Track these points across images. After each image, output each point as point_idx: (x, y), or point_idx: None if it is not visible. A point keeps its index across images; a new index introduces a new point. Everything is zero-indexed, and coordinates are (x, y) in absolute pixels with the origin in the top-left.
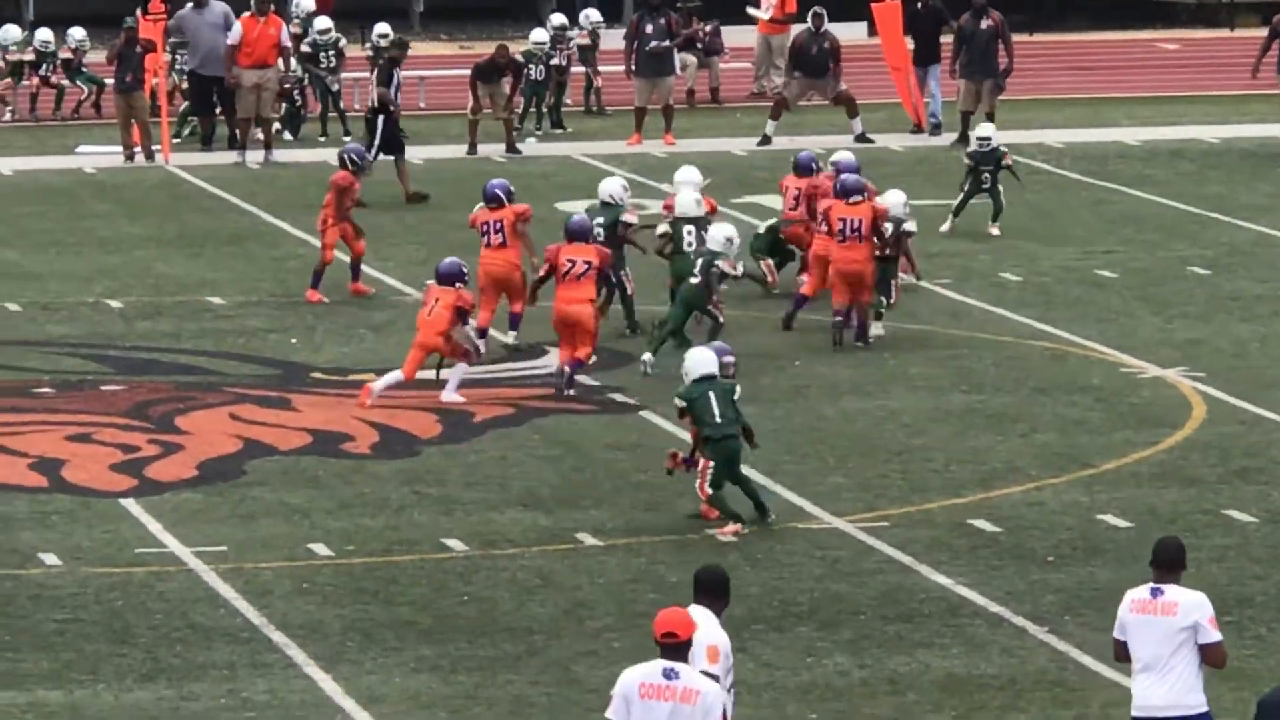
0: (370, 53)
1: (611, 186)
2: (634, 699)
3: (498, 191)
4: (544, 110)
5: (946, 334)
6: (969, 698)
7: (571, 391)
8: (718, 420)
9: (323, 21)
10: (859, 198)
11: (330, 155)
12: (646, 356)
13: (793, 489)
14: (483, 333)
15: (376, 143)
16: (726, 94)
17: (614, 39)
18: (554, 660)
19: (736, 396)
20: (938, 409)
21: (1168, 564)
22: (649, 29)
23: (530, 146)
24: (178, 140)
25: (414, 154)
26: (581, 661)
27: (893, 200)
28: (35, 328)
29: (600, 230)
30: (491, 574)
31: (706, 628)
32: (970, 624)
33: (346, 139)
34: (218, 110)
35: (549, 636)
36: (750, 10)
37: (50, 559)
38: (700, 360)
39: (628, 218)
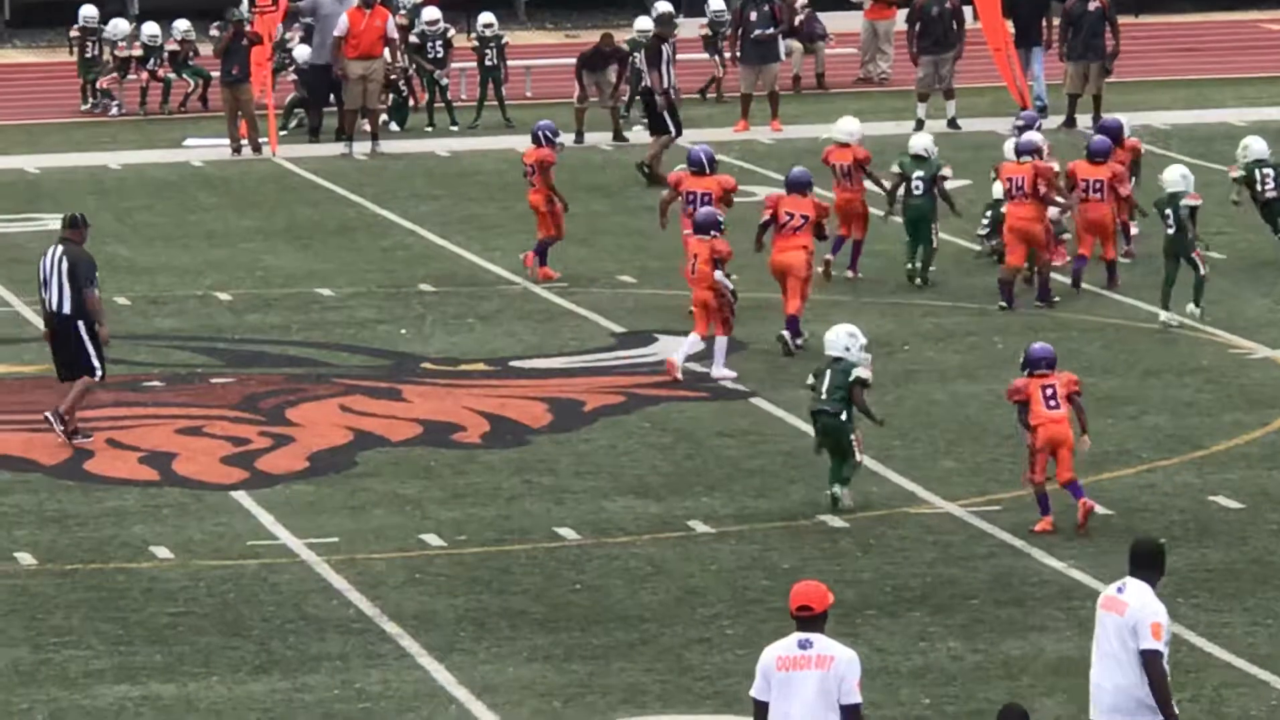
0: (476, 43)
1: (924, 141)
2: (772, 673)
3: (702, 158)
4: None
5: (1056, 316)
6: (1083, 680)
7: (800, 342)
8: (822, 397)
9: (431, 12)
10: (1027, 158)
11: (437, 145)
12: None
13: (904, 473)
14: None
15: (669, 123)
16: (832, 79)
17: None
18: (667, 648)
19: (855, 377)
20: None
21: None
22: (753, 16)
23: (637, 134)
24: (284, 133)
25: (519, 143)
26: (694, 649)
27: (1171, 177)
28: (144, 321)
29: (920, 184)
30: (604, 563)
31: (1146, 600)
32: (1083, 607)
33: (454, 128)
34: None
35: (661, 624)
36: None
37: (162, 552)
38: (831, 340)
39: (946, 172)
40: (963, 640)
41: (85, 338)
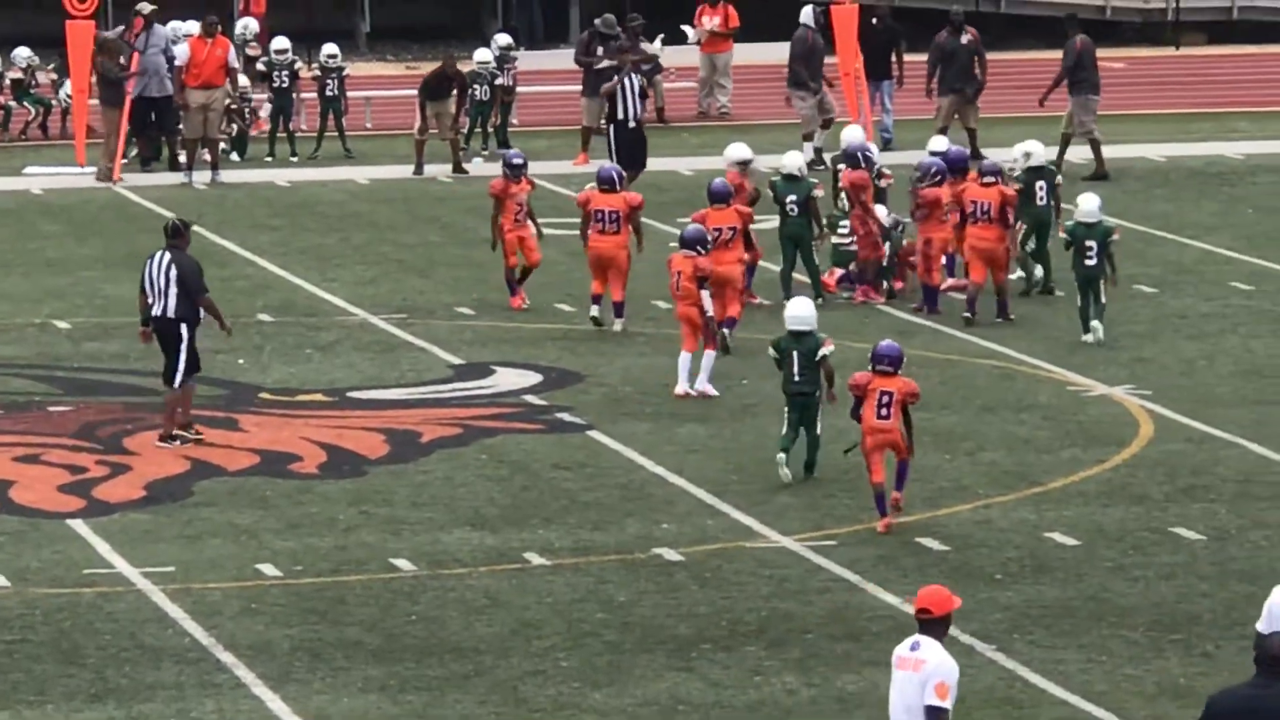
0: (317, 73)
1: (797, 161)
2: (893, 670)
3: (613, 175)
4: (489, 130)
5: None
6: None
7: (730, 345)
8: (796, 378)
9: (280, 41)
10: (991, 179)
11: (277, 175)
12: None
13: (740, 508)
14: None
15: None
16: (672, 114)
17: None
18: (501, 680)
19: (823, 354)
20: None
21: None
22: (600, 49)
23: (477, 166)
24: (125, 161)
25: (359, 174)
26: (529, 681)
27: (1089, 207)
28: None
29: (794, 206)
30: (439, 594)
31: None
32: None
33: (293, 159)
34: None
35: (496, 656)
36: (688, 30)
37: None
38: (796, 315)
39: (818, 192)
40: (798, 675)
41: (184, 345)
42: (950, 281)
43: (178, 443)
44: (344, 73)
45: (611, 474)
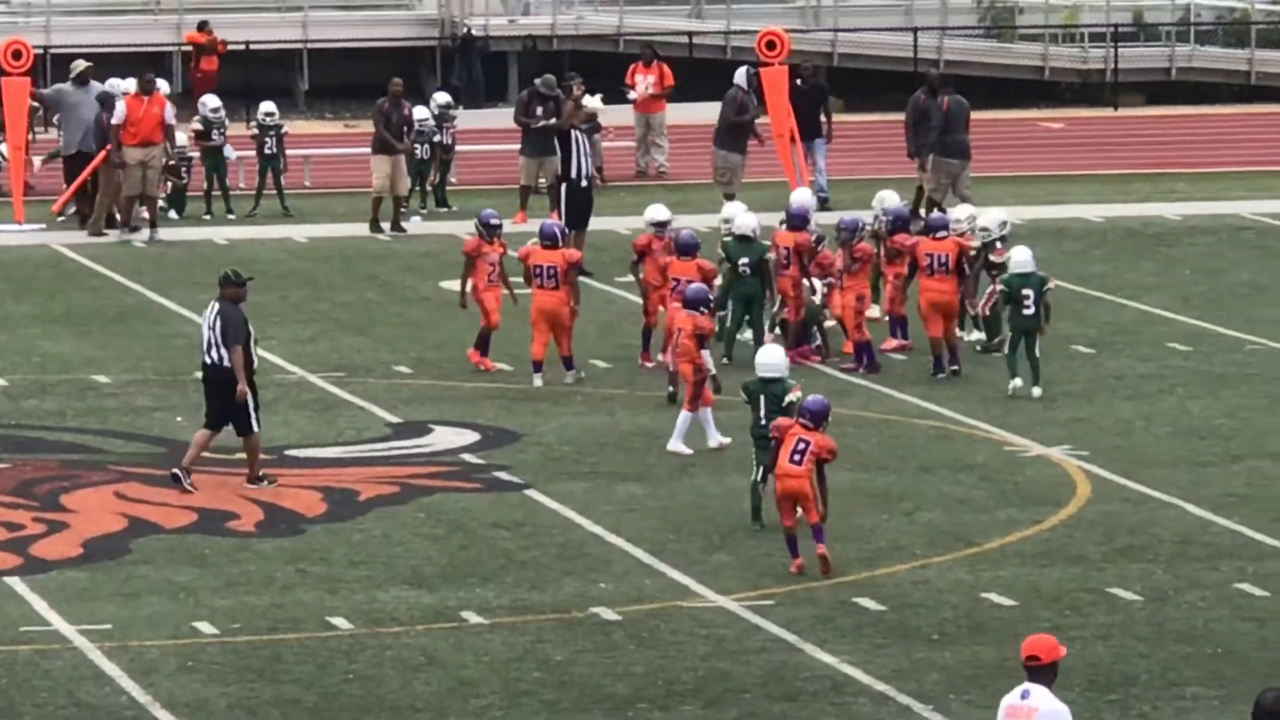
0: (255, 131)
1: (750, 222)
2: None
3: (555, 231)
4: (428, 188)
5: (832, 412)
6: None
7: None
8: (762, 422)
9: (213, 100)
10: (943, 233)
11: (215, 233)
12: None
13: (678, 567)
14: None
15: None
16: (610, 173)
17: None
18: None
19: (790, 400)
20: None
21: None
22: (539, 109)
23: (415, 225)
24: (61, 219)
25: (297, 232)
26: None
27: (1022, 258)
28: None
29: (746, 267)
30: (376, 652)
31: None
32: (855, 702)
33: (230, 217)
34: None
35: (434, 715)
36: (631, 90)
37: None
38: (767, 362)
39: (771, 255)
40: None
41: (246, 394)
42: (894, 343)
43: (265, 483)
44: (282, 130)
45: (549, 533)
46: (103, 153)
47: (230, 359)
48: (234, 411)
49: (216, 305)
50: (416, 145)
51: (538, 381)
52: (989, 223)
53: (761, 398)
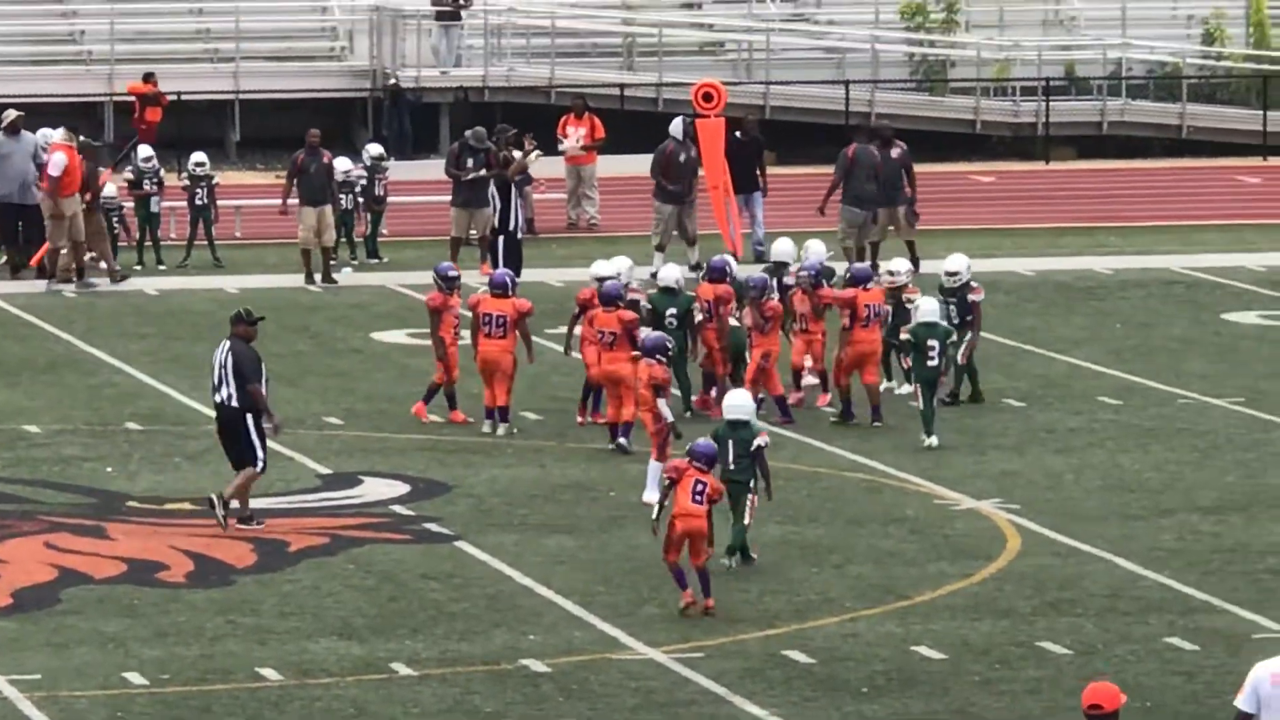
0: (187, 182)
1: (674, 274)
2: None
3: (506, 280)
4: (357, 239)
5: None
6: None
7: (629, 449)
8: (730, 467)
9: (145, 150)
10: (873, 284)
11: (146, 284)
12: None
13: (607, 619)
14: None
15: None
16: (541, 225)
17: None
18: None
19: (758, 444)
20: (753, 539)
21: None
22: (469, 161)
23: (346, 276)
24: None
25: (229, 283)
26: None
27: (929, 307)
28: None
29: (673, 319)
30: (305, 704)
31: None
32: None
33: (161, 267)
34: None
35: None
36: (564, 142)
37: None
38: (733, 404)
39: (697, 308)
40: None
41: (252, 430)
42: (796, 396)
43: (255, 523)
44: (213, 181)
45: (479, 584)
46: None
47: (247, 395)
48: (243, 446)
49: (228, 344)
50: (342, 195)
51: (485, 426)
52: (958, 266)
53: (729, 442)
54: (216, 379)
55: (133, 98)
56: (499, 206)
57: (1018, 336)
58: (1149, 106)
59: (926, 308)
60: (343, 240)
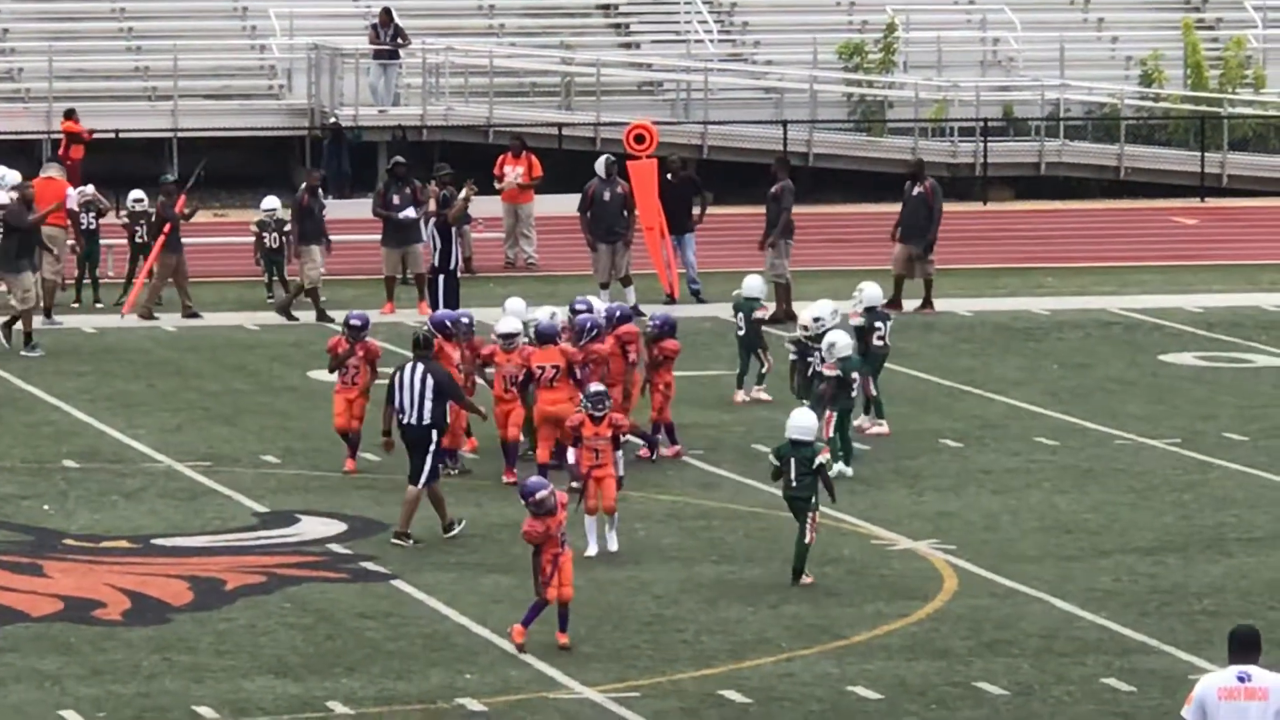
0: (126, 219)
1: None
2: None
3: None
4: (285, 278)
5: (699, 505)
6: None
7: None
8: (792, 483)
9: (86, 187)
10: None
11: (84, 322)
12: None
13: (543, 658)
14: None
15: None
16: (480, 264)
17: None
18: None
19: (820, 462)
20: (689, 579)
21: (1246, 647)
22: (395, 199)
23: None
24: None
25: (166, 321)
26: None
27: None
28: None
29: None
30: None
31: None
32: None
33: (99, 305)
34: None
35: None
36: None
37: None
38: (797, 424)
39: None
40: None
41: (435, 447)
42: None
43: (410, 541)
44: (152, 218)
45: (415, 623)
46: (161, 238)
47: (441, 414)
48: (421, 462)
49: (421, 366)
50: (266, 235)
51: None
52: (822, 312)
53: (792, 460)
54: (406, 400)
55: (62, 135)
56: (439, 245)
57: (955, 377)
58: (1087, 147)
59: (842, 342)
60: (275, 279)
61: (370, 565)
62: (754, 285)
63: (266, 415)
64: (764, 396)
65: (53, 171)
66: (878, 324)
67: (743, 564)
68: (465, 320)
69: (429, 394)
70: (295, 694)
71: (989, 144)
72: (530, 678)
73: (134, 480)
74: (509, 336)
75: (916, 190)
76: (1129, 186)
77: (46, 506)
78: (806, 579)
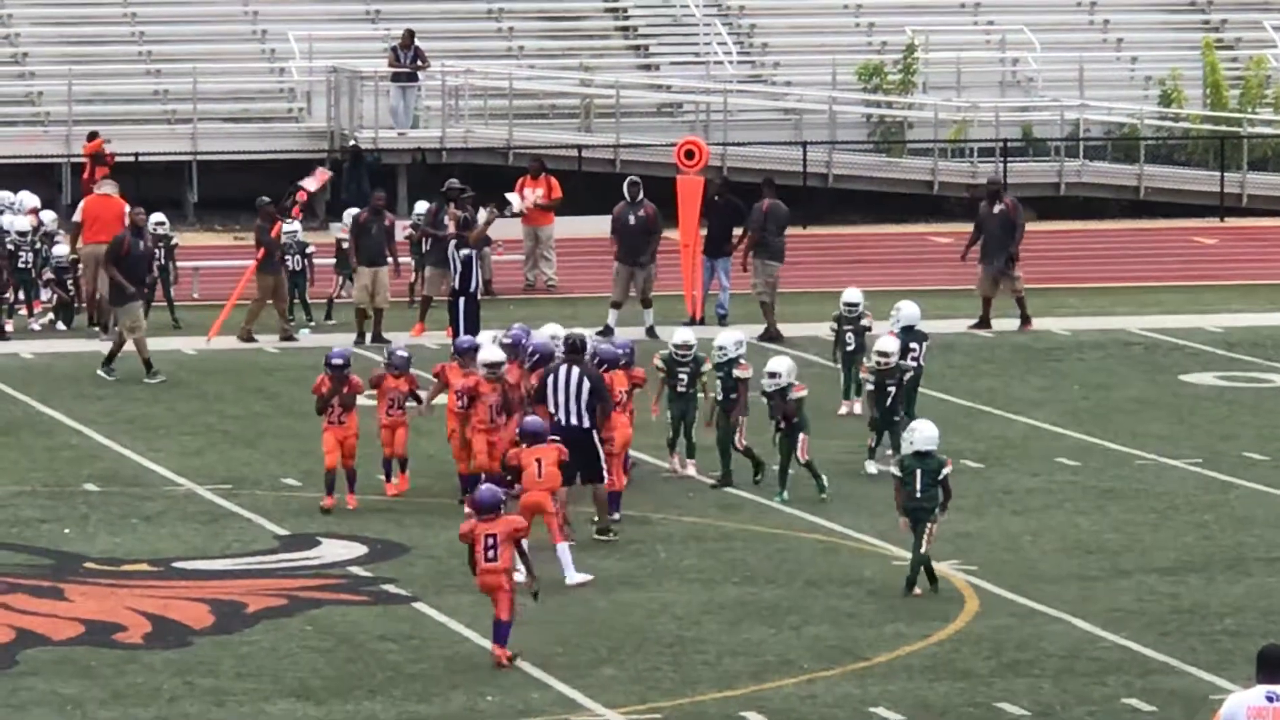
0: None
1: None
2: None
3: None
4: (308, 300)
5: (719, 526)
6: None
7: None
8: (917, 494)
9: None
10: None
11: (104, 345)
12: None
13: (565, 680)
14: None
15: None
16: (500, 286)
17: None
18: None
19: (945, 473)
20: (711, 601)
21: (1274, 666)
22: (446, 221)
23: (306, 337)
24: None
25: (186, 344)
26: None
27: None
28: None
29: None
30: None
31: None
32: None
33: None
34: None
35: None
36: (512, 198)
37: None
38: (924, 435)
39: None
40: None
41: (600, 447)
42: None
43: (611, 535)
44: (173, 242)
45: (436, 645)
46: (254, 263)
47: (598, 416)
48: (590, 461)
49: (577, 369)
50: (289, 257)
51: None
52: (725, 342)
53: (917, 471)
54: (561, 401)
55: (85, 158)
56: (459, 269)
57: (975, 398)
58: (1106, 167)
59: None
60: (296, 301)
61: (391, 588)
62: (854, 296)
63: (287, 438)
64: (857, 410)
65: (107, 188)
66: (913, 345)
67: (763, 585)
68: (402, 354)
69: (584, 395)
70: (317, 717)
71: (1008, 164)
72: (553, 699)
73: (155, 503)
74: (493, 365)
75: (998, 208)
76: (1149, 206)
77: (67, 530)
78: (916, 591)
